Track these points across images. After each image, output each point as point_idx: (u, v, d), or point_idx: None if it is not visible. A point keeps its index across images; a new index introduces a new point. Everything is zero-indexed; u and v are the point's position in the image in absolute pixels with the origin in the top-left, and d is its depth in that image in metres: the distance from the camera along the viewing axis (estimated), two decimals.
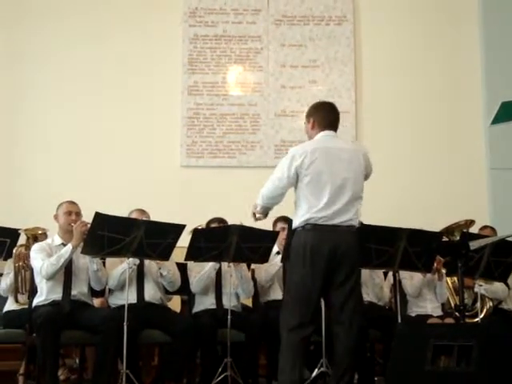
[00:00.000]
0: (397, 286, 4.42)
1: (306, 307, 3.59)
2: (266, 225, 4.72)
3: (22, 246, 4.78)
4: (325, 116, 3.80)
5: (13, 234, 4.89)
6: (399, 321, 4.29)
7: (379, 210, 5.99)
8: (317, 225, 3.59)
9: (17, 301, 4.60)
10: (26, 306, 4.47)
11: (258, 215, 3.84)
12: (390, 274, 4.73)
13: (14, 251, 4.71)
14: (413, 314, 4.89)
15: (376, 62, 6.85)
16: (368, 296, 4.84)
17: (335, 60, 6.85)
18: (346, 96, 6.78)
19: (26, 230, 4.85)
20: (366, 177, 3.83)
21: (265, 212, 3.84)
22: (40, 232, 4.84)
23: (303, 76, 6.83)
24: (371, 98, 6.79)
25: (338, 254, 3.58)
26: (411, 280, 4.86)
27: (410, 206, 6.39)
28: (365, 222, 4.55)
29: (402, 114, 6.79)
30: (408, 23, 6.91)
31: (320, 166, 3.63)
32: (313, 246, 3.57)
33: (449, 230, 4.81)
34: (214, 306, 4.70)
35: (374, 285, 4.91)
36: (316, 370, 4.29)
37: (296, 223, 3.68)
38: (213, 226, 4.84)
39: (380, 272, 4.90)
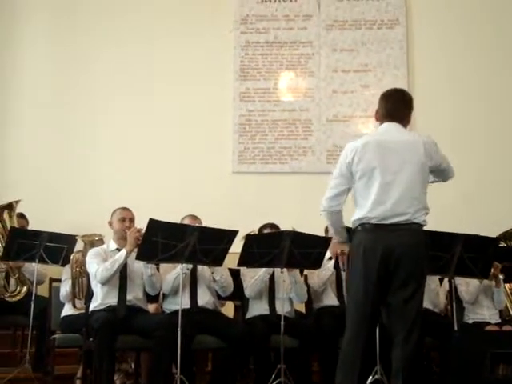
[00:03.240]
0: (452, 293, 4.33)
1: (361, 321, 3.40)
2: (318, 230, 4.72)
3: (78, 252, 4.88)
4: (382, 106, 3.55)
5: (70, 240, 4.99)
6: (456, 328, 4.19)
7: (435, 214, 5.89)
8: (371, 224, 3.37)
9: (74, 306, 4.70)
10: (83, 311, 4.56)
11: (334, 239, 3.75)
12: (446, 280, 4.64)
13: (71, 257, 4.81)
14: (470, 321, 4.78)
15: (429, 66, 6.75)
16: (423, 302, 4.75)
17: (387, 64, 6.79)
18: None
19: (82, 236, 4.95)
20: (439, 168, 3.54)
21: (332, 222, 3.52)
22: (96, 238, 4.93)
23: (355, 81, 6.79)
24: (425, 101, 6.68)
25: (393, 258, 3.33)
26: (467, 286, 4.76)
27: (466, 209, 6.26)
28: None
29: (457, 119, 6.65)
30: (461, 25, 6.79)
31: (369, 162, 3.37)
32: (365, 250, 3.37)
33: (506, 236, 4.72)
34: (267, 312, 4.71)
35: (430, 291, 4.81)
36: (370, 377, 4.23)
37: (352, 224, 3.49)
38: (265, 231, 4.85)
39: (436, 278, 4.81)
